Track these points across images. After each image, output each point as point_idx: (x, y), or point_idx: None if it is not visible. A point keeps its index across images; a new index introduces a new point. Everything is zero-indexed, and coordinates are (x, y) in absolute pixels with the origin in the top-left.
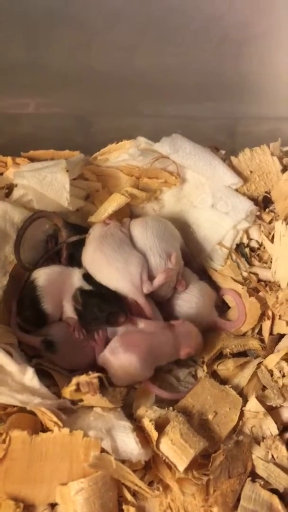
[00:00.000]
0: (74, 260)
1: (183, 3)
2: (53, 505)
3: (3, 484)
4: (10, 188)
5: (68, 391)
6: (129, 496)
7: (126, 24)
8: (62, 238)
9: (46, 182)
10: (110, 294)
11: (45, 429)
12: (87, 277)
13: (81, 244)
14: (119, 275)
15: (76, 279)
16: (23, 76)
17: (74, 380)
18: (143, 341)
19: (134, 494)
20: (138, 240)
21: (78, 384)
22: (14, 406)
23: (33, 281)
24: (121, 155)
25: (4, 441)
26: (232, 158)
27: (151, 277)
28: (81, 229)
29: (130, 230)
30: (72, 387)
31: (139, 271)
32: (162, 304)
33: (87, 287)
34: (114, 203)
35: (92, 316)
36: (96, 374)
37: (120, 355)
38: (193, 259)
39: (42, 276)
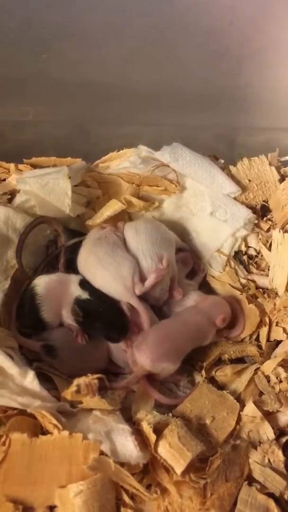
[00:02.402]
0: (72, 265)
1: (185, 17)
2: (51, 508)
3: (2, 486)
4: (12, 194)
5: (69, 393)
6: (127, 499)
7: (127, 36)
8: (61, 244)
9: (48, 188)
10: (109, 305)
11: (44, 432)
12: (84, 283)
13: (79, 249)
14: (111, 278)
15: (74, 286)
16: (26, 86)
17: (75, 381)
18: (164, 336)
19: (132, 497)
20: (130, 243)
21: (79, 386)
22: (14, 409)
23: (33, 288)
24: (122, 163)
25: (4, 444)
26: (231, 167)
27: (143, 279)
28: (80, 235)
29: (124, 233)
30: (73, 388)
31: (131, 273)
32: (160, 310)
33: (84, 296)
34: (110, 208)
35: (92, 327)
36: (96, 376)
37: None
38: (195, 260)
39: (41, 284)
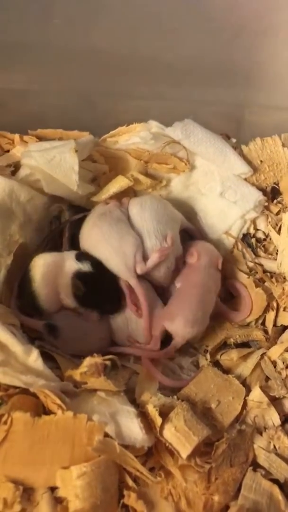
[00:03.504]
0: (76, 240)
1: None
2: (52, 489)
3: (2, 466)
4: (16, 166)
5: (78, 373)
6: (130, 482)
7: (140, 6)
8: (65, 219)
9: (54, 162)
10: (109, 277)
11: (47, 412)
12: (81, 256)
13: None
14: (113, 254)
15: (69, 263)
16: (32, 52)
17: (86, 362)
18: (188, 301)
19: (135, 480)
20: (135, 220)
21: (89, 366)
22: (16, 388)
23: (29, 271)
24: (132, 138)
25: (5, 423)
26: (243, 147)
27: (146, 258)
28: (85, 211)
29: (128, 209)
30: (84, 368)
31: (133, 251)
32: (166, 290)
33: (85, 268)
34: (117, 185)
35: (91, 302)
36: (108, 357)
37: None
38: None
39: (37, 267)
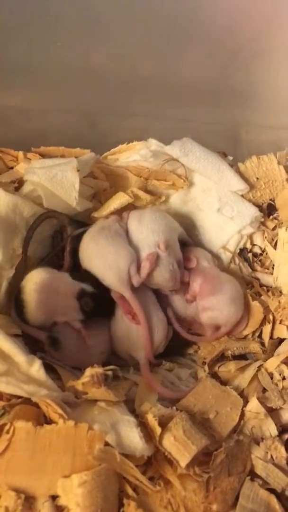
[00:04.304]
0: (76, 254)
1: (201, 14)
2: (54, 497)
3: (4, 475)
4: (20, 182)
5: (80, 383)
6: (130, 491)
7: (141, 29)
8: (67, 234)
9: (56, 180)
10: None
11: (48, 422)
12: (76, 277)
13: None
14: (107, 268)
15: (69, 281)
16: (35, 73)
17: (88, 372)
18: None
19: (134, 489)
20: (132, 233)
21: (91, 376)
22: (18, 397)
23: (21, 288)
24: (132, 156)
25: (8, 432)
26: (240, 164)
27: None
28: (86, 226)
29: (128, 222)
30: (86, 378)
31: (127, 265)
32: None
33: (87, 288)
34: (117, 201)
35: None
36: (110, 367)
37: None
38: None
39: (30, 283)
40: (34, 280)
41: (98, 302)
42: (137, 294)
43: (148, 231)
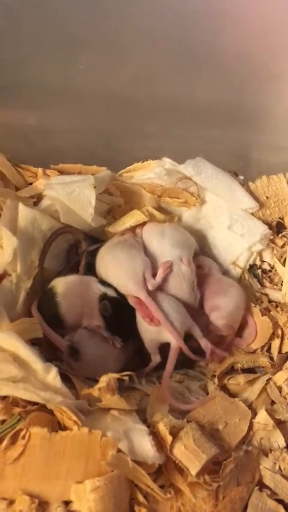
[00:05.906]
0: (92, 268)
1: (217, 41)
2: (66, 503)
3: (19, 479)
4: (39, 197)
5: (96, 389)
6: (141, 498)
7: (159, 51)
8: (82, 249)
9: (73, 196)
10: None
11: (62, 429)
12: (104, 283)
13: None
14: (123, 273)
15: (94, 286)
16: (56, 94)
17: (105, 377)
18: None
19: (145, 496)
20: (152, 247)
21: (108, 382)
22: (34, 404)
23: (52, 288)
24: (147, 174)
25: (23, 437)
26: (250, 183)
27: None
28: (99, 242)
29: (144, 236)
30: (102, 383)
31: (142, 269)
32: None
33: (110, 293)
34: (133, 219)
35: (119, 325)
36: (127, 373)
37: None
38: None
39: (60, 284)
40: (65, 281)
41: (118, 310)
42: (155, 299)
43: (170, 246)
